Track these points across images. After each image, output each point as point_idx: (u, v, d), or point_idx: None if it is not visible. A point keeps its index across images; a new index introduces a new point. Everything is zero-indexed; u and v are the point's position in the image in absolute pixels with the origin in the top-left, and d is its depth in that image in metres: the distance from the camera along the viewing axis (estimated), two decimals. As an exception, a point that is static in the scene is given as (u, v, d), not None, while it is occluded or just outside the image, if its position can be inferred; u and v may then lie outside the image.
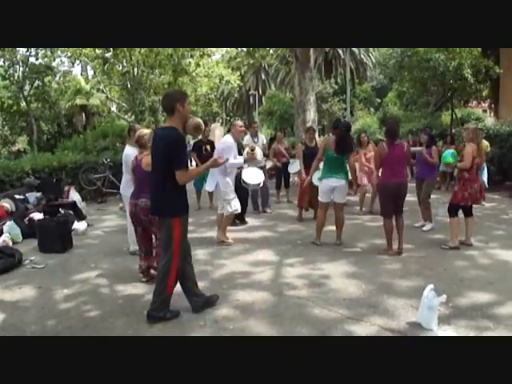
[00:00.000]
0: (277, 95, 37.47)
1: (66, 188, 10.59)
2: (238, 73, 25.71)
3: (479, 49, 16.64)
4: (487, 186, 10.81)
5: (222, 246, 7.13)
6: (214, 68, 21.20)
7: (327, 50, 37.19)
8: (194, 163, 11.08)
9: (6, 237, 7.49)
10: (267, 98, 40.22)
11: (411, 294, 4.91)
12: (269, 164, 10.78)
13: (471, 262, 6.14)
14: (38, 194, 9.73)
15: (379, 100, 41.06)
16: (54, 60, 19.47)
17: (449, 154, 7.25)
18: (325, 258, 6.38)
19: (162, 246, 4.48)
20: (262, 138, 10.61)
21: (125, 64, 17.81)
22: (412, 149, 7.76)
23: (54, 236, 7.20)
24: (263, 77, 45.96)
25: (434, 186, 8.32)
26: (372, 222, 8.66)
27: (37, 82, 20.56)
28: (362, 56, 38.94)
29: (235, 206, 7.17)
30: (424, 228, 7.89)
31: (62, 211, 8.84)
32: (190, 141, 13.29)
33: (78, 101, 26.61)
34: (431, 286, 4.28)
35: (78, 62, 18.79)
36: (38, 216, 8.44)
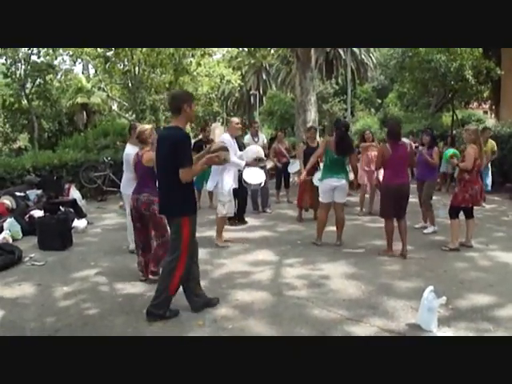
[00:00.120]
0: (277, 95, 37.50)
1: (67, 186, 10.60)
2: (239, 72, 25.65)
3: (480, 50, 16.64)
4: (490, 188, 10.74)
5: (220, 245, 7.12)
6: (214, 67, 21.16)
7: (328, 50, 37.19)
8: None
9: (6, 234, 7.50)
10: (268, 97, 40.28)
11: (411, 296, 4.90)
12: (269, 164, 10.79)
13: (471, 264, 6.14)
14: (39, 192, 9.73)
15: (380, 101, 41.05)
16: (56, 58, 19.44)
17: (450, 151, 7.23)
18: (324, 259, 6.38)
19: (171, 245, 4.49)
20: (263, 138, 10.61)
21: (126, 63, 17.79)
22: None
23: (54, 233, 7.21)
24: (264, 77, 45.99)
25: (434, 188, 8.31)
26: (372, 222, 8.65)
27: (38, 80, 20.56)
28: (363, 56, 38.94)
29: (228, 209, 7.13)
30: (425, 230, 7.87)
31: (62, 209, 8.85)
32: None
33: (79, 99, 26.62)
34: (431, 287, 4.27)
35: (79, 60, 18.75)
36: (38, 213, 8.45)
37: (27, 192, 9.62)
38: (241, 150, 7.64)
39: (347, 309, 4.65)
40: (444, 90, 20.04)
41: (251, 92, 43.54)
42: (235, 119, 7.41)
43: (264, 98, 43.64)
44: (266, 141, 10.81)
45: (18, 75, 19.52)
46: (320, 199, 7.16)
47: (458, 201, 6.73)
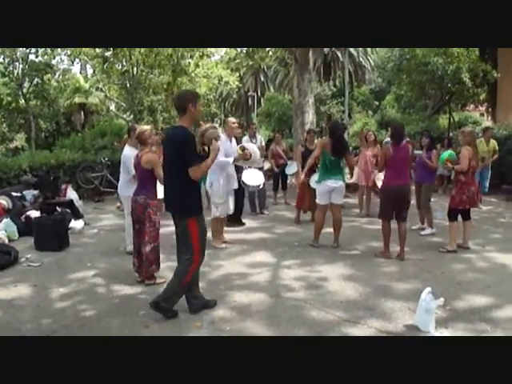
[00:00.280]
0: (275, 97, 37.46)
1: (64, 186, 10.56)
2: (237, 74, 25.64)
3: (477, 53, 16.70)
4: (487, 190, 10.70)
5: (218, 247, 7.10)
6: (213, 69, 21.15)
7: (326, 52, 37.26)
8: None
9: (2, 234, 7.47)
10: (266, 99, 40.22)
11: (409, 297, 4.90)
12: (266, 165, 10.79)
13: (469, 265, 6.15)
14: (35, 192, 9.70)
15: (377, 103, 41.07)
16: (54, 58, 19.41)
17: (446, 154, 7.23)
18: (322, 260, 6.37)
19: (183, 245, 4.50)
20: (260, 139, 10.62)
21: (124, 63, 17.76)
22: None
23: (51, 234, 7.18)
24: (262, 78, 46.05)
25: (433, 190, 8.31)
26: (370, 224, 8.65)
27: (36, 79, 20.55)
28: (361, 59, 39.03)
29: (221, 211, 7.10)
30: (422, 232, 7.88)
31: (58, 209, 8.81)
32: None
33: (77, 99, 26.59)
34: (429, 288, 4.27)
35: (77, 60, 18.73)
36: (34, 214, 8.41)
37: (24, 192, 9.59)
38: None
39: (345, 310, 4.65)
40: (441, 93, 20.06)
41: (249, 93, 43.58)
42: (231, 119, 7.41)
43: (262, 100, 43.62)
44: (263, 142, 10.81)
45: (15, 74, 19.50)
46: (317, 201, 7.15)
47: (455, 203, 6.74)
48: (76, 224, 8.46)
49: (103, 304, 4.95)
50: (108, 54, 17.14)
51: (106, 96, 21.72)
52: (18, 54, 19.01)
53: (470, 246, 6.89)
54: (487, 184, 10.84)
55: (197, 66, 18.79)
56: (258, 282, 5.55)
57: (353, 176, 10.45)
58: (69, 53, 17.85)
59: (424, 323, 4.13)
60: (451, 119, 19.67)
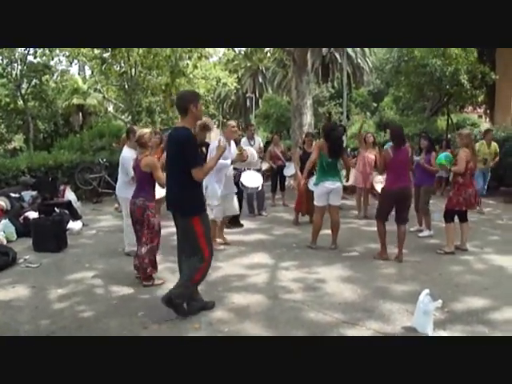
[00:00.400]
0: (273, 98, 37.54)
1: (62, 187, 10.55)
2: (236, 75, 25.69)
3: (475, 55, 16.72)
4: (485, 192, 10.63)
5: (216, 248, 7.10)
6: (211, 70, 21.17)
7: (324, 53, 37.28)
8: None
9: (0, 235, 7.46)
10: (264, 100, 40.29)
11: (406, 299, 4.91)
12: (264, 166, 10.80)
13: (466, 267, 6.16)
14: (34, 193, 9.69)
15: (375, 104, 41.13)
16: (52, 59, 19.39)
17: (443, 156, 7.23)
18: (320, 262, 6.38)
19: (187, 245, 4.53)
20: (259, 141, 10.61)
21: (122, 64, 17.77)
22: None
23: (49, 235, 7.17)
24: (260, 80, 46.06)
25: (432, 193, 8.30)
26: (368, 226, 8.65)
27: (34, 80, 20.49)
28: (359, 60, 39.03)
29: (216, 213, 7.08)
30: (420, 234, 7.90)
31: (57, 210, 8.81)
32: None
33: (75, 100, 26.52)
34: (427, 290, 4.28)
35: (75, 61, 18.72)
36: (33, 215, 8.41)
37: (22, 193, 9.58)
38: None
39: (343, 312, 4.65)
40: (439, 94, 20.10)
41: (247, 95, 43.57)
42: (232, 122, 7.39)
43: (260, 101, 43.66)
44: (261, 144, 10.82)
45: (13, 75, 19.45)
46: (315, 202, 7.15)
47: (452, 204, 6.76)
48: (74, 225, 8.46)
49: (101, 305, 4.94)
50: (106, 55, 17.16)
51: (104, 97, 21.73)
52: (17, 54, 18.95)
53: (467, 247, 6.90)
54: (486, 186, 10.81)
55: (195, 67, 18.80)
56: (256, 284, 5.55)
57: (349, 179, 10.47)
58: (67, 54, 17.86)
59: (422, 325, 4.14)
60: (449, 121, 19.69)
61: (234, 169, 7.34)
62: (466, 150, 6.66)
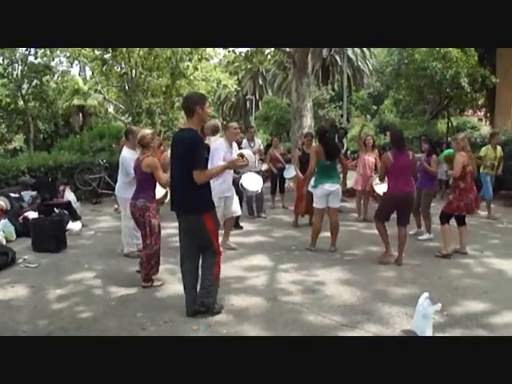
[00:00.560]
0: (273, 100, 37.60)
1: (62, 188, 10.54)
2: (236, 77, 25.73)
3: (476, 58, 16.74)
4: (485, 197, 10.46)
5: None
6: (211, 72, 21.19)
7: (325, 56, 37.35)
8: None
9: (-1, 235, 7.46)
10: (264, 103, 40.36)
11: (406, 302, 4.90)
12: (264, 166, 10.80)
13: (466, 271, 6.15)
14: (33, 193, 9.69)
15: (375, 107, 41.19)
16: (53, 60, 19.39)
17: (445, 152, 7.21)
18: (319, 265, 6.37)
19: (202, 243, 4.58)
20: (259, 143, 10.62)
21: (123, 66, 17.76)
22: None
23: (48, 235, 7.17)
24: (260, 82, 46.15)
25: (433, 196, 8.28)
26: (367, 228, 8.66)
27: (35, 81, 20.50)
28: (360, 63, 39.11)
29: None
30: (420, 237, 7.90)
31: (56, 211, 8.80)
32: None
33: (76, 101, 26.55)
34: (426, 294, 4.27)
35: (76, 62, 18.72)
36: (32, 215, 8.40)
37: (22, 193, 9.58)
38: None
39: (342, 315, 4.65)
40: (439, 97, 20.12)
41: (247, 97, 43.65)
42: (234, 124, 7.38)
43: (260, 103, 43.73)
44: (262, 146, 10.82)
45: (14, 76, 19.45)
46: (314, 205, 7.16)
47: (451, 208, 6.74)
48: (74, 226, 8.45)
49: (100, 306, 4.94)
50: (107, 56, 17.15)
51: (104, 98, 21.71)
52: (18, 55, 18.96)
53: (467, 251, 6.89)
54: (490, 191, 10.58)
55: (195, 68, 18.80)
56: (255, 286, 5.54)
57: (347, 183, 10.50)
58: (68, 55, 17.86)
59: (421, 328, 4.12)
60: (449, 124, 19.71)
61: (234, 171, 7.33)
62: (463, 154, 6.64)
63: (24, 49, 18.39)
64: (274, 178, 11.32)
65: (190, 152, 4.29)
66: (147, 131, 5.72)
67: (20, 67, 19.40)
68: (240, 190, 7.85)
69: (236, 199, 7.17)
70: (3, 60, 19.12)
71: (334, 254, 6.96)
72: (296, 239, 7.90)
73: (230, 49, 16.25)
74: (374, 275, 5.96)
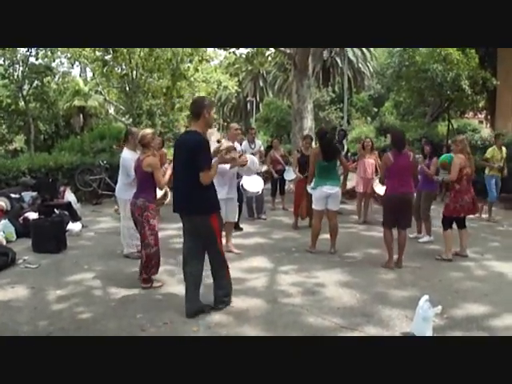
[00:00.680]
0: (274, 102, 37.54)
1: (62, 188, 10.53)
2: (236, 79, 25.75)
3: (477, 60, 16.73)
4: (489, 199, 10.36)
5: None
6: (212, 73, 21.20)
7: (325, 58, 37.32)
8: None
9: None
10: (264, 104, 40.31)
11: (406, 305, 4.90)
12: (264, 167, 10.81)
13: (466, 274, 6.15)
14: (34, 194, 9.69)
15: (376, 109, 41.17)
16: (54, 61, 19.37)
17: (444, 157, 7.20)
18: (319, 266, 6.37)
19: (207, 243, 4.71)
20: (259, 144, 10.63)
21: (124, 67, 17.77)
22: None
23: (49, 236, 7.17)
24: (261, 83, 46.14)
25: (433, 198, 8.27)
26: (367, 231, 8.66)
27: (36, 82, 20.46)
28: (360, 65, 39.10)
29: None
30: (420, 240, 7.89)
31: (57, 211, 8.79)
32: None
33: (77, 102, 26.55)
34: (426, 296, 4.26)
35: (77, 63, 18.73)
36: (32, 215, 8.40)
37: (22, 194, 9.58)
38: None
39: (342, 317, 4.65)
40: (440, 100, 20.08)
41: (248, 98, 43.69)
42: (235, 125, 7.39)
43: (260, 105, 43.70)
44: (262, 147, 10.82)
45: (15, 77, 19.41)
46: (313, 206, 7.17)
47: (449, 211, 6.75)
48: (74, 226, 8.45)
49: (100, 307, 4.94)
50: (108, 57, 17.16)
51: (105, 99, 21.73)
52: (19, 56, 18.93)
53: (467, 254, 6.89)
54: (495, 193, 10.44)
55: (196, 70, 18.82)
56: (255, 287, 5.54)
57: (348, 184, 10.51)
58: (69, 56, 17.88)
59: (421, 331, 4.12)
60: (450, 126, 19.70)
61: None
62: (460, 157, 6.64)
63: (25, 50, 18.38)
64: (275, 180, 11.32)
65: (194, 154, 4.38)
66: (147, 131, 5.73)
67: (21, 68, 19.37)
68: (240, 193, 7.85)
69: (236, 204, 7.17)
70: (4, 61, 19.10)
71: (333, 256, 6.95)
72: (296, 241, 7.90)
73: (231, 50, 16.24)
74: (374, 277, 5.95)
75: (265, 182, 10.45)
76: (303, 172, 8.60)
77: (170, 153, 13.17)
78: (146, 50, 16.55)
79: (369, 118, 40.55)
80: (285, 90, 37.22)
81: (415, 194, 8.01)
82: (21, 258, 6.67)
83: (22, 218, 8.43)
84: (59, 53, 17.93)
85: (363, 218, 9.56)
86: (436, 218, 8.34)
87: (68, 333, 4.26)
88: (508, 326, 4.44)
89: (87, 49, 16.78)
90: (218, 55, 20.96)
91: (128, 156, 6.38)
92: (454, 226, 6.86)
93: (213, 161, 4.67)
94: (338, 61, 37.41)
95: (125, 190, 6.39)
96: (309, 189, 7.76)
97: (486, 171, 10.14)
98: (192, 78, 19.22)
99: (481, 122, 32.87)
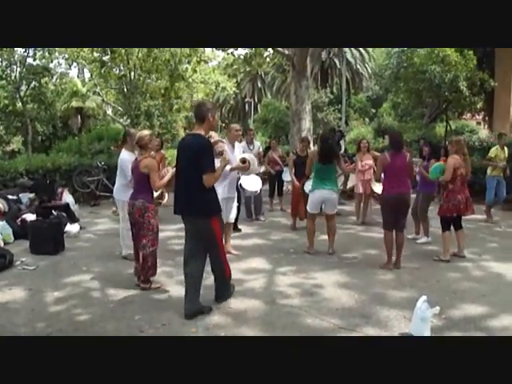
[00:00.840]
0: (272, 103, 37.53)
1: (60, 190, 10.51)
2: (235, 80, 25.69)
3: (475, 62, 16.77)
4: (488, 201, 10.29)
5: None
6: (210, 74, 21.19)
7: (324, 59, 37.38)
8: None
9: (-3, 237, 7.44)
10: (263, 105, 40.29)
11: (404, 305, 4.90)
12: (261, 168, 10.80)
13: (464, 274, 6.15)
14: (31, 195, 9.67)
15: (374, 110, 41.20)
16: (52, 61, 19.38)
17: (433, 169, 7.18)
18: (317, 267, 6.37)
19: (208, 245, 4.78)
20: (258, 145, 10.62)
21: (122, 68, 17.75)
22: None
23: (46, 238, 7.15)
24: (259, 84, 46.16)
25: (432, 199, 8.26)
26: (365, 232, 8.66)
27: (33, 82, 20.43)
28: (358, 66, 39.14)
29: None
30: (418, 241, 7.90)
31: (54, 213, 8.77)
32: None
33: (74, 103, 26.49)
34: (424, 297, 4.27)
35: (75, 64, 18.70)
36: (30, 217, 8.38)
37: (20, 195, 9.57)
38: None
39: (340, 318, 4.65)
40: (438, 101, 20.13)
41: (246, 100, 43.63)
42: (235, 126, 7.37)
43: (259, 106, 43.71)
44: (261, 148, 10.81)
45: (13, 77, 19.39)
46: (307, 208, 7.19)
47: (442, 210, 6.77)
48: (72, 228, 8.43)
49: (98, 308, 4.93)
50: (106, 58, 17.15)
51: (103, 100, 21.70)
52: (16, 56, 18.89)
53: (465, 254, 6.89)
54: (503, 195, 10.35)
55: (194, 71, 18.81)
56: (253, 289, 5.54)
57: (348, 184, 10.53)
58: (66, 56, 17.85)
59: (419, 332, 4.12)
60: (448, 127, 19.73)
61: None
62: (455, 157, 6.65)
63: (22, 50, 18.36)
64: (273, 181, 11.31)
65: (198, 157, 4.46)
66: (145, 132, 5.73)
67: (18, 69, 19.34)
68: (239, 194, 7.84)
69: (235, 205, 7.16)
70: (1, 62, 19.07)
71: (332, 256, 6.95)
72: (294, 242, 7.90)
73: (229, 51, 16.23)
74: (372, 278, 5.96)
75: (263, 184, 10.45)
76: (299, 174, 8.63)
77: (168, 154, 13.21)
78: (144, 50, 16.54)
79: (367, 119, 40.55)
80: (283, 91, 37.26)
81: (414, 195, 8.05)
82: (18, 260, 6.66)
83: (19, 219, 8.41)
84: (57, 54, 17.92)
85: (362, 219, 9.57)
86: (434, 219, 8.34)
87: (66, 334, 4.25)
88: (506, 326, 4.45)
89: (85, 49, 16.75)
90: (216, 56, 21.01)
91: (126, 157, 6.37)
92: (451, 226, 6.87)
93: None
94: (337, 62, 37.45)
95: (123, 191, 6.38)
96: (306, 188, 7.76)
97: (488, 172, 10.09)
98: (190, 79, 19.22)
99: (478, 124, 32.95)
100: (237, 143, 7.18)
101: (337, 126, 27.28)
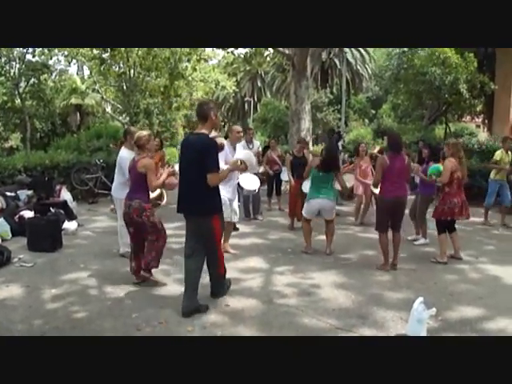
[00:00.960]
0: (272, 103, 37.57)
1: (58, 187, 10.51)
2: (234, 79, 25.73)
3: (475, 64, 16.80)
4: (487, 204, 10.24)
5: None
6: (210, 73, 21.20)
7: (324, 59, 37.39)
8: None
9: (-6, 234, 7.44)
10: (262, 105, 40.34)
11: (401, 307, 4.91)
12: (260, 169, 10.80)
13: (461, 276, 6.16)
14: (30, 192, 9.66)
15: (374, 111, 41.22)
16: (51, 58, 19.36)
17: (432, 168, 7.21)
18: (315, 268, 6.37)
19: (208, 243, 4.81)
20: (257, 145, 10.63)
21: (121, 65, 17.76)
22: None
23: (44, 235, 7.15)
24: (259, 84, 46.16)
25: (430, 201, 8.26)
26: (363, 232, 8.66)
27: (32, 79, 20.41)
28: (359, 67, 39.13)
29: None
30: (416, 242, 7.90)
31: (52, 210, 8.78)
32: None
33: (73, 100, 26.49)
34: (421, 298, 4.27)
35: (74, 61, 18.69)
36: (28, 214, 8.38)
37: (18, 192, 9.54)
38: None
39: (337, 318, 4.65)
40: (438, 103, 20.16)
41: (246, 99, 43.65)
42: (237, 127, 7.36)
43: (258, 105, 43.73)
44: (260, 148, 10.81)
45: (12, 74, 19.37)
46: (303, 212, 7.22)
47: (437, 213, 6.77)
48: (69, 225, 8.42)
49: (95, 306, 4.93)
50: (105, 55, 17.14)
51: (102, 98, 21.68)
52: (15, 53, 18.86)
53: (462, 256, 6.90)
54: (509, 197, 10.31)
55: (194, 69, 18.82)
56: (250, 288, 5.54)
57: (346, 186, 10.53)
58: (66, 53, 17.83)
59: (415, 333, 4.12)
60: (447, 130, 19.75)
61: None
62: (452, 160, 6.66)
63: (21, 47, 18.34)
64: (271, 180, 11.32)
65: (202, 156, 4.48)
66: (144, 132, 5.72)
67: (17, 65, 19.32)
68: (238, 194, 7.85)
69: (235, 205, 7.17)
70: (0, 58, 19.04)
71: (329, 257, 6.96)
72: (292, 242, 7.90)
73: (229, 50, 16.25)
74: (369, 279, 5.96)
75: (261, 184, 10.45)
76: (297, 174, 8.66)
77: (167, 152, 13.22)
78: (144, 48, 16.53)
79: (366, 120, 40.60)
80: (283, 90, 37.25)
81: (413, 197, 8.07)
82: (16, 257, 6.65)
83: (17, 216, 8.40)
84: (56, 50, 17.88)
85: (360, 220, 9.57)
86: (432, 221, 8.35)
87: (63, 332, 4.26)
88: (501, 328, 4.46)
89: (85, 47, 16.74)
90: (216, 55, 20.94)
91: (125, 155, 6.36)
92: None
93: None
94: (337, 62, 37.42)
95: (121, 190, 6.37)
96: (304, 188, 7.76)
97: (492, 176, 10.06)
98: (190, 78, 19.23)
99: (478, 126, 32.96)
100: (238, 145, 7.18)
101: (336, 127, 27.32)
